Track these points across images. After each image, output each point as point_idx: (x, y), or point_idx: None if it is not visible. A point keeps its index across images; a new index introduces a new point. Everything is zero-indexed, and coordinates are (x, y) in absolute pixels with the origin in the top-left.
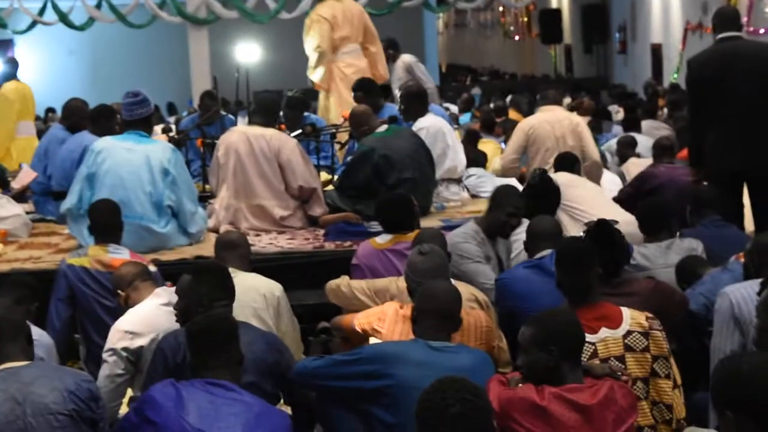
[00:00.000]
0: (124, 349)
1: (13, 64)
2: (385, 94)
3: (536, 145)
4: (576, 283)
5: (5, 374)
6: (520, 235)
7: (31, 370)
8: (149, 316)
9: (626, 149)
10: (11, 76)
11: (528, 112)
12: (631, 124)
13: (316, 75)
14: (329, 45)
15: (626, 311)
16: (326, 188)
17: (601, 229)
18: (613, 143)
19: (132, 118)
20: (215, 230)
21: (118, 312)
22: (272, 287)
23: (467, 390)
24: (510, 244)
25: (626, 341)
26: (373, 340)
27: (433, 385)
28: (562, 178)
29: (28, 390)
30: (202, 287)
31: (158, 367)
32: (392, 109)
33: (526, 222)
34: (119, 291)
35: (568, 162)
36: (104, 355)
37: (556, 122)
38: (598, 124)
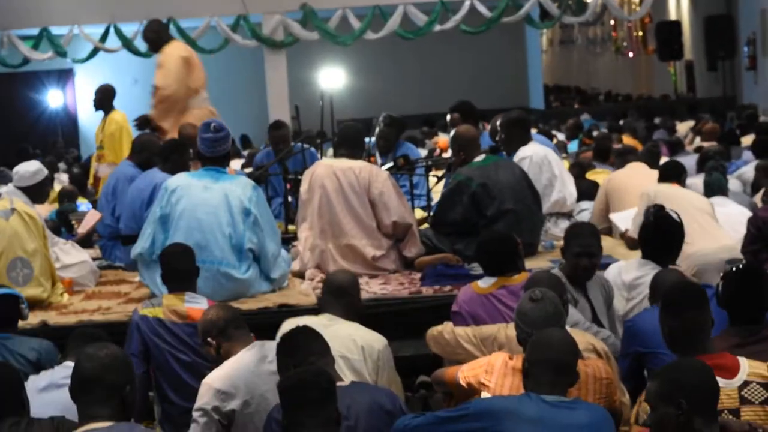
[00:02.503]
0: (216, 409)
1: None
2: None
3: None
4: (687, 328)
5: None
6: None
7: None
8: (246, 375)
9: (766, 177)
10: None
11: (645, 137)
12: (763, 149)
13: None
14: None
15: (744, 361)
16: (421, 226)
17: (744, 271)
18: (745, 170)
19: (213, 155)
20: (300, 275)
21: (196, 367)
22: (372, 339)
23: None
24: (610, 290)
25: (742, 393)
26: (486, 394)
27: None
28: (664, 191)
29: None
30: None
31: None
32: (488, 139)
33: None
34: (209, 339)
35: (676, 172)
36: (194, 415)
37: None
38: (726, 149)
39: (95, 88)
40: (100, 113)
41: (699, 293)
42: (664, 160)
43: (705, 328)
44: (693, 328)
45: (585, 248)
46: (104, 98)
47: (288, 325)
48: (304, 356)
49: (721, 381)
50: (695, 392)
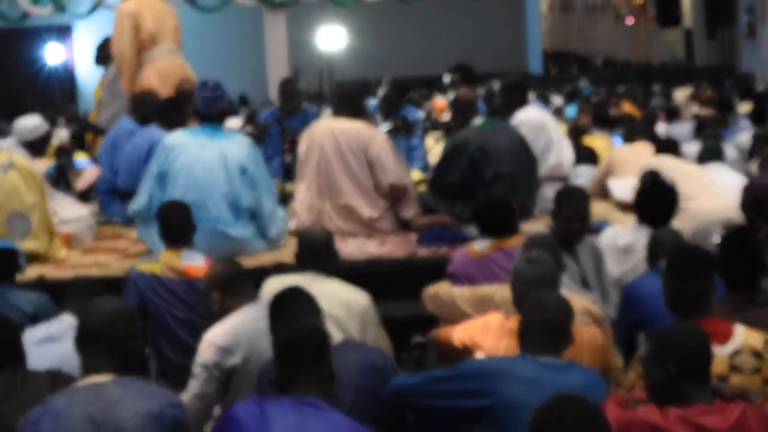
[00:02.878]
0: (216, 366)
1: None
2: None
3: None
4: (690, 293)
5: (87, 390)
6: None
7: (115, 388)
8: (247, 332)
9: (764, 146)
10: None
11: (643, 103)
12: (760, 117)
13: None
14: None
15: (740, 329)
16: (419, 188)
17: (740, 238)
18: (742, 138)
19: (210, 112)
20: (297, 233)
21: (192, 324)
22: (357, 296)
23: (586, 410)
24: (599, 255)
25: (733, 360)
26: (480, 355)
27: (548, 404)
28: (665, 162)
29: (109, 412)
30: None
31: None
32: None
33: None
34: (213, 294)
35: (672, 146)
36: (195, 371)
37: None
38: (723, 117)
39: (95, 44)
40: (100, 70)
41: (706, 259)
42: (661, 126)
43: (708, 294)
44: (697, 293)
45: (576, 212)
46: (105, 53)
47: (271, 283)
48: (295, 315)
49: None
50: (685, 357)
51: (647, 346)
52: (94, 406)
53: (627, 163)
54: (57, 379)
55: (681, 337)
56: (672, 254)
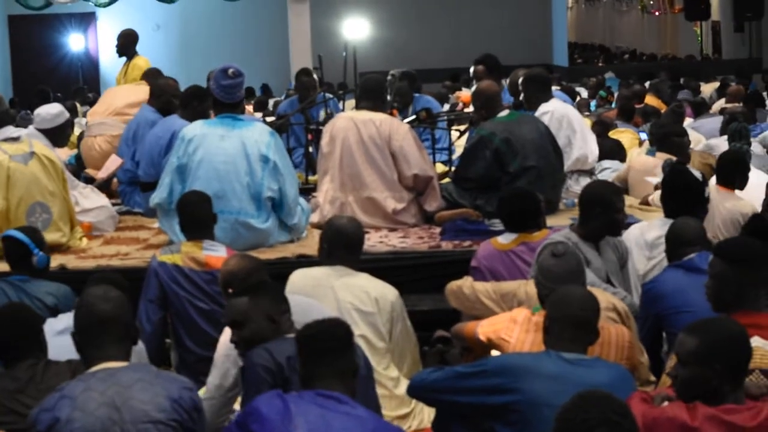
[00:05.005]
0: (238, 357)
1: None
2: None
3: None
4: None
5: (104, 375)
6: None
7: (130, 373)
8: None
9: None
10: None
11: (669, 97)
12: None
13: None
14: None
15: None
16: (442, 181)
17: (758, 223)
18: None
19: (231, 101)
20: (319, 226)
21: (213, 315)
22: (386, 291)
23: (612, 408)
24: (624, 251)
25: None
26: (496, 352)
27: (573, 401)
28: None
29: (128, 395)
30: (267, 304)
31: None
32: (508, 96)
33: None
34: (229, 290)
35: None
36: (216, 361)
37: None
38: (751, 112)
39: (117, 33)
40: (122, 58)
41: (754, 249)
42: (688, 121)
43: (753, 285)
44: (748, 286)
45: (624, 203)
46: (127, 43)
47: (297, 275)
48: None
49: (758, 341)
50: (733, 358)
51: (690, 338)
52: (113, 389)
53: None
54: (78, 369)
55: (731, 337)
56: (719, 246)
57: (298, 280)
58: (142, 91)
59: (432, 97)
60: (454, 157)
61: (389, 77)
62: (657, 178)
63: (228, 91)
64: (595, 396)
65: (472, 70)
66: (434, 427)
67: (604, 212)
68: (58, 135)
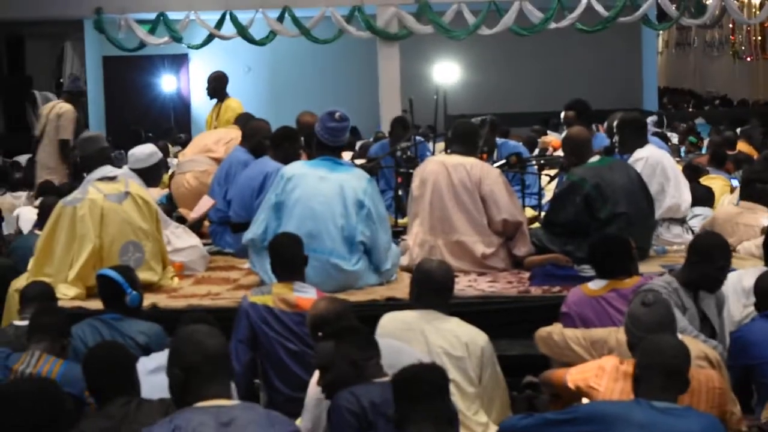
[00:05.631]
0: None
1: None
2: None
3: None
4: None
5: (216, 411)
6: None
7: (240, 412)
8: None
9: None
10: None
11: (761, 143)
12: None
13: None
14: None
15: None
16: (531, 226)
17: None
18: None
19: (334, 143)
20: (408, 269)
21: (303, 356)
22: (476, 336)
23: None
24: (722, 298)
25: None
26: (586, 400)
27: None
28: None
29: None
30: (351, 350)
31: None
32: (603, 139)
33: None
34: (318, 333)
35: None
36: (308, 404)
37: None
38: None
39: (208, 76)
40: (213, 99)
41: None
42: None
43: None
44: None
45: (728, 261)
46: (218, 86)
47: (387, 319)
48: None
49: None
50: None
51: None
52: (229, 428)
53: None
54: (170, 408)
55: None
56: None
57: (389, 323)
58: (232, 130)
59: (517, 142)
60: (544, 201)
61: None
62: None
63: (333, 133)
64: None
65: (562, 115)
66: None
67: (703, 265)
68: (150, 175)
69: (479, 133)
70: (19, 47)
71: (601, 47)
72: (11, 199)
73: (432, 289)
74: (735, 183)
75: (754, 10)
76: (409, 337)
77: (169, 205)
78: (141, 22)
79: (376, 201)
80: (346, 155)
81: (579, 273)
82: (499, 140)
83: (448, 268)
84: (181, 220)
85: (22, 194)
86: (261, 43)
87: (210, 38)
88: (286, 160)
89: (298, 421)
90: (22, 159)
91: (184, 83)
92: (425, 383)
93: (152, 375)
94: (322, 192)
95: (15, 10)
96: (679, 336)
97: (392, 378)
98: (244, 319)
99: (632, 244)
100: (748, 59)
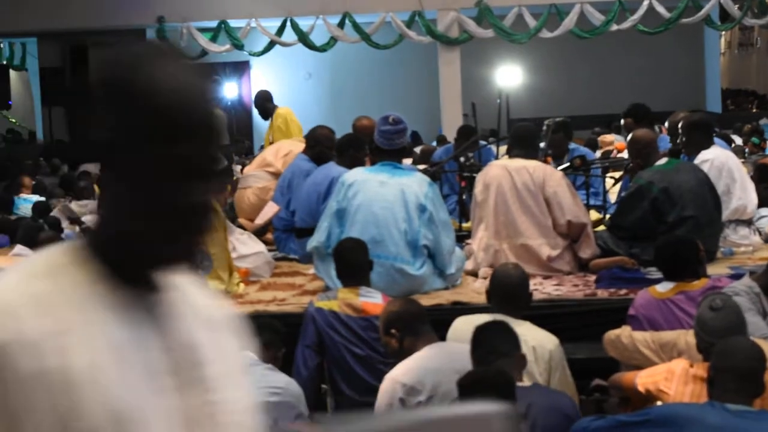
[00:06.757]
0: (401, 402)
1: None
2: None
3: None
4: None
5: None
6: None
7: None
8: (432, 372)
9: None
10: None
11: None
12: None
13: None
14: None
15: None
16: (597, 228)
17: None
18: None
19: (391, 147)
20: (473, 273)
21: (370, 361)
22: (544, 339)
23: None
24: None
25: None
26: (659, 402)
27: None
28: None
29: None
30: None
31: None
32: (666, 141)
33: None
34: (392, 330)
35: None
36: (378, 408)
37: None
38: None
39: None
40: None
41: None
42: None
43: None
44: None
45: None
46: (264, 104)
47: (459, 322)
48: (485, 353)
49: None
50: None
51: None
52: None
53: None
54: None
55: None
56: None
57: (461, 326)
58: (290, 143)
59: (586, 147)
60: (608, 204)
61: (544, 126)
62: None
63: (387, 137)
64: None
65: (622, 122)
66: None
67: None
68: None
69: (539, 135)
70: (82, 57)
71: (662, 49)
72: (77, 208)
73: (503, 293)
74: None
75: None
76: None
77: (232, 213)
78: (202, 30)
79: (437, 204)
80: (407, 161)
81: (646, 275)
82: (572, 145)
83: (521, 273)
84: (242, 229)
85: (88, 203)
86: (322, 49)
87: (271, 45)
88: (351, 167)
89: None
90: (91, 167)
91: (246, 90)
92: (488, 388)
93: None
94: (383, 197)
95: (79, 20)
96: (756, 339)
97: (458, 381)
98: (310, 325)
99: (700, 247)
100: None
